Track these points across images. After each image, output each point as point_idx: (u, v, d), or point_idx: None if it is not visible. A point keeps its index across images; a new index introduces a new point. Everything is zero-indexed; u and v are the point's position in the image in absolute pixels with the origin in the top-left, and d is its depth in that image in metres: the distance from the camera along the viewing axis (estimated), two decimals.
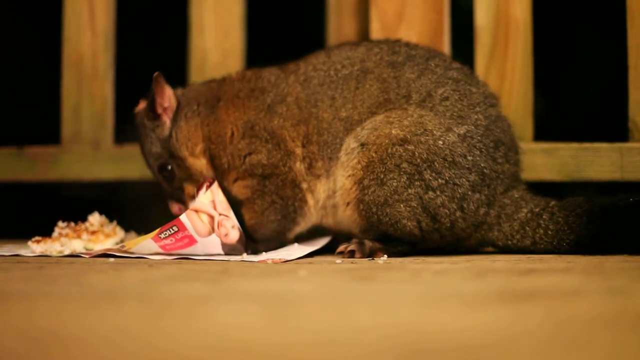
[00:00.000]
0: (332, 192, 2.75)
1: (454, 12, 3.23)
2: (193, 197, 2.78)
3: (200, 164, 2.82)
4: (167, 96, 2.82)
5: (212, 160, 2.83)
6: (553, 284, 1.94)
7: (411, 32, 3.17)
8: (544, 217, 2.67)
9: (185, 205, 2.82)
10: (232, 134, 2.80)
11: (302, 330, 1.42)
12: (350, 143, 2.69)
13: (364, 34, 3.30)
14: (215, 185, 2.71)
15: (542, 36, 3.24)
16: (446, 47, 3.16)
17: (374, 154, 2.63)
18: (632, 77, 3.01)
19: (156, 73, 2.78)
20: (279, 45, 3.97)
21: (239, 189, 2.80)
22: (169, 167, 2.82)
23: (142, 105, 2.92)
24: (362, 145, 2.66)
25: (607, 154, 2.99)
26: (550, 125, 3.61)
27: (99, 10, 3.41)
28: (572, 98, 3.89)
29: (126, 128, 3.48)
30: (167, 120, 2.83)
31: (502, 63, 3.13)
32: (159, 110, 2.83)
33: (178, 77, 3.37)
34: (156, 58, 4.01)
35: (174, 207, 2.85)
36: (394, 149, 2.61)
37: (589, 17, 3.95)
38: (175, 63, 3.54)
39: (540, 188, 2.95)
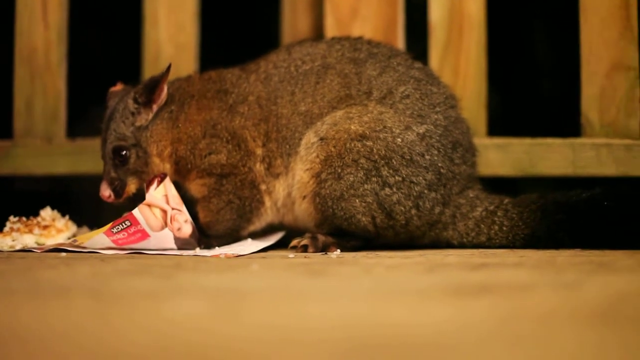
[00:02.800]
0: (291, 188, 2.74)
1: (408, 8, 3.24)
2: (130, 199, 2.75)
3: (162, 167, 2.77)
4: (164, 92, 2.77)
5: (178, 163, 2.78)
6: (504, 278, 1.95)
7: (365, 27, 3.17)
8: (498, 214, 2.70)
9: (119, 198, 2.75)
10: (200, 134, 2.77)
11: (252, 325, 1.42)
12: (311, 137, 2.68)
13: (318, 29, 3.30)
14: (168, 179, 2.70)
15: (496, 32, 3.26)
16: (400, 42, 3.17)
17: (332, 149, 2.63)
18: (584, 73, 3.03)
19: (169, 65, 2.74)
20: (233, 40, 3.96)
21: (197, 187, 2.78)
22: (125, 153, 2.75)
23: (119, 86, 2.88)
24: (322, 139, 2.65)
25: (560, 149, 3.02)
26: (504, 120, 3.63)
27: (52, 3, 3.37)
28: (525, 94, 3.91)
29: (79, 122, 3.46)
30: (151, 113, 2.78)
31: (456, 59, 3.15)
32: (152, 101, 2.77)
33: (131, 70, 3.35)
34: (109, 51, 3.99)
35: (105, 191, 2.74)
36: (353, 144, 2.61)
37: (543, 14, 3.97)
38: (128, 56, 3.51)
39: (494, 183, 2.97)
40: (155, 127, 2.77)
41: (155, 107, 2.77)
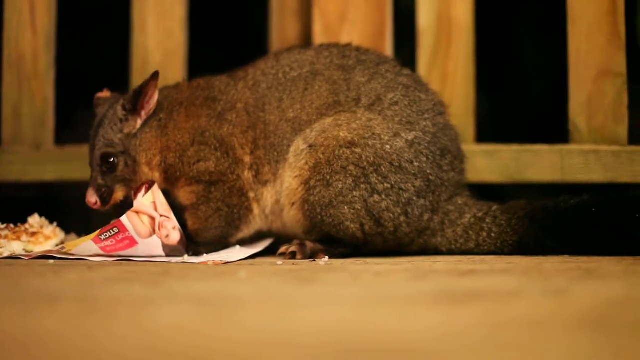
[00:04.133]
0: (279, 195, 2.74)
1: (397, 14, 3.24)
2: (118, 206, 2.74)
3: (151, 176, 2.76)
4: (154, 99, 2.76)
5: (167, 172, 2.77)
6: (492, 285, 1.95)
7: (354, 33, 3.17)
8: (486, 220, 2.70)
9: (105, 205, 2.74)
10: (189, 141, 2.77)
11: (240, 332, 1.42)
12: (299, 144, 2.68)
13: (307, 35, 3.30)
14: (156, 186, 2.69)
15: (485, 38, 3.26)
16: (388, 49, 3.17)
17: (321, 156, 2.63)
18: (572, 80, 3.04)
19: (156, 72, 2.73)
20: (221, 47, 3.96)
21: (185, 195, 2.78)
22: (113, 160, 2.74)
23: (105, 92, 2.88)
24: (311, 146, 2.66)
25: (548, 155, 3.02)
26: (492, 127, 3.64)
27: (40, 9, 3.37)
28: (513, 100, 3.92)
29: (67, 129, 3.45)
30: (139, 121, 2.77)
31: (444, 65, 3.15)
32: (139, 108, 2.76)
33: (120, 77, 3.35)
34: (98, 58, 3.98)
35: (92, 197, 2.73)
36: (341, 151, 2.61)
37: (531, 21, 3.98)
38: (116, 63, 3.51)
39: (482, 189, 2.98)
40: (145, 135, 2.76)
41: (144, 115, 2.76)
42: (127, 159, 2.75)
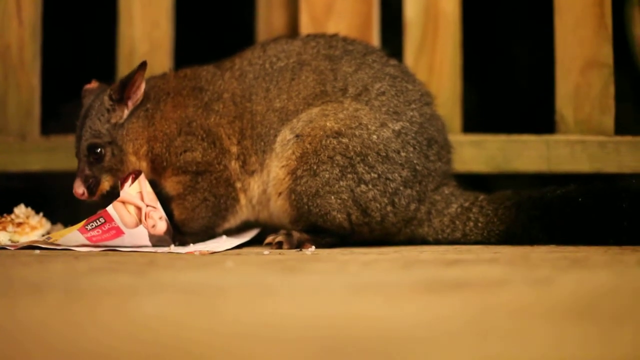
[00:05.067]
0: (266, 185, 2.74)
1: (384, 5, 3.24)
2: (105, 196, 2.73)
3: (138, 165, 2.75)
4: (140, 89, 2.74)
5: (154, 161, 2.77)
6: (478, 274, 1.95)
7: (340, 24, 3.17)
8: (473, 210, 2.71)
9: (92, 195, 2.74)
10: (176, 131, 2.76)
11: (226, 322, 1.42)
12: (286, 134, 2.68)
13: (293, 26, 3.29)
14: (142, 176, 2.68)
15: (471, 29, 3.26)
16: (375, 40, 3.17)
17: (308, 145, 2.63)
18: (559, 71, 3.05)
19: (143, 62, 2.72)
20: (207, 37, 3.95)
21: (172, 185, 2.77)
22: (100, 150, 2.73)
23: (93, 84, 2.87)
24: (297, 136, 2.65)
25: (535, 145, 3.03)
26: (479, 117, 3.64)
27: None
28: (500, 90, 3.92)
29: (53, 119, 3.44)
30: (126, 110, 2.76)
31: (431, 56, 3.15)
32: (126, 97, 2.75)
33: (106, 67, 3.34)
34: (84, 48, 3.97)
35: (79, 188, 2.71)
36: (328, 141, 2.61)
37: (518, 12, 3.98)
38: (103, 53, 3.50)
39: (469, 179, 2.98)
40: (132, 125, 2.75)
41: (130, 104, 2.75)
42: (114, 149, 2.74)
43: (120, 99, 2.74)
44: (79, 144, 2.77)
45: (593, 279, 1.88)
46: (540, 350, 1.20)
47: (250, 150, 2.73)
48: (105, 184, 2.74)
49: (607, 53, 3.02)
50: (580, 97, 3.03)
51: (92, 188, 2.71)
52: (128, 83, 2.72)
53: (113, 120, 2.74)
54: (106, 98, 2.75)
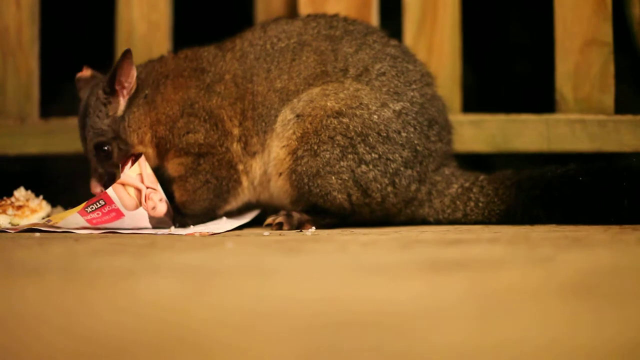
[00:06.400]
0: (267, 166, 2.73)
1: None
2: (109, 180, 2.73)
3: (146, 153, 2.74)
4: (131, 76, 2.73)
5: (158, 145, 2.76)
6: (479, 253, 1.95)
7: (340, 4, 3.16)
8: (474, 190, 2.71)
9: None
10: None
11: (226, 303, 1.42)
12: (287, 114, 2.68)
13: (292, 6, 3.28)
14: (143, 158, 2.68)
15: (471, 9, 3.25)
16: (374, 20, 3.16)
17: (308, 125, 2.63)
18: (559, 50, 3.04)
19: (128, 49, 2.70)
20: (206, 18, 3.94)
21: (174, 166, 2.76)
22: (107, 148, 2.72)
23: (86, 72, 2.85)
24: (298, 116, 2.65)
25: (534, 125, 3.03)
26: (479, 97, 3.63)
27: None
28: (500, 70, 3.91)
29: (53, 102, 3.44)
30: (122, 100, 2.74)
31: (431, 36, 3.14)
32: (118, 87, 2.73)
33: (105, 49, 3.33)
34: (83, 30, 3.96)
35: (96, 188, 2.73)
36: (329, 121, 2.61)
37: None
38: (102, 35, 3.49)
39: (469, 159, 2.98)
40: (132, 115, 2.73)
41: (125, 93, 2.73)
42: (120, 143, 2.73)
43: (112, 90, 2.72)
44: (85, 145, 2.76)
45: (593, 258, 1.88)
46: (539, 328, 1.20)
47: (252, 131, 2.73)
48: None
49: (606, 32, 3.01)
50: (580, 76, 3.03)
51: (108, 184, 2.69)
52: (115, 73, 2.70)
53: (111, 113, 2.72)
54: (100, 92, 2.73)
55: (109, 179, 2.72)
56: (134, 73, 2.72)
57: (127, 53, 2.68)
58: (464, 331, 1.20)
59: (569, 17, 3.03)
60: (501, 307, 1.34)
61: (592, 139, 2.97)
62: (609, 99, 3.00)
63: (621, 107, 3.01)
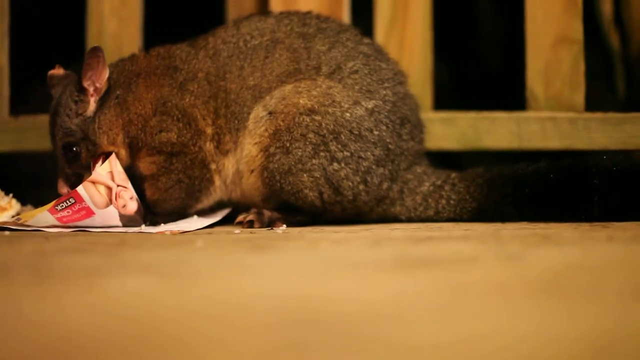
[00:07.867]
0: (239, 163, 2.72)
1: None
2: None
3: (119, 153, 2.71)
4: (102, 76, 2.70)
5: (130, 145, 2.73)
6: (449, 251, 1.96)
7: (311, 1, 3.15)
8: (445, 188, 2.72)
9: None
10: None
11: (197, 300, 1.42)
12: (259, 111, 2.67)
13: (263, 2, 3.27)
14: (113, 156, 2.66)
15: (442, 6, 3.26)
16: (346, 17, 3.16)
17: (281, 122, 2.62)
18: (529, 47, 3.05)
19: (97, 46, 2.67)
20: (177, 14, 3.92)
21: (146, 165, 2.74)
22: (76, 149, 2.69)
23: (58, 69, 2.82)
24: (270, 113, 2.65)
25: (505, 123, 3.03)
26: (450, 94, 3.64)
27: None
28: (471, 68, 3.92)
29: (22, 100, 3.41)
30: (92, 100, 2.71)
31: (402, 33, 3.14)
32: (88, 86, 2.68)
33: (76, 46, 3.31)
34: (53, 26, 3.94)
35: (63, 188, 2.68)
36: (301, 119, 2.61)
37: None
38: (72, 32, 3.47)
39: (440, 157, 2.98)
40: (104, 117, 2.70)
41: (94, 93, 2.69)
42: (88, 144, 2.69)
43: (82, 89, 2.70)
44: (53, 143, 2.72)
45: (562, 255, 1.89)
46: (508, 324, 1.21)
47: (225, 129, 2.72)
48: (88, 176, 2.71)
49: (577, 29, 3.02)
50: (550, 73, 3.04)
51: (75, 185, 2.66)
52: (84, 71, 2.68)
53: (81, 111, 2.70)
54: (71, 91, 2.70)
55: (77, 181, 2.68)
56: (105, 73, 2.68)
57: (97, 51, 2.65)
58: (432, 328, 1.20)
59: (540, 14, 3.04)
60: (470, 304, 1.35)
61: (562, 136, 2.98)
62: (579, 97, 3.01)
63: (591, 104, 3.02)
